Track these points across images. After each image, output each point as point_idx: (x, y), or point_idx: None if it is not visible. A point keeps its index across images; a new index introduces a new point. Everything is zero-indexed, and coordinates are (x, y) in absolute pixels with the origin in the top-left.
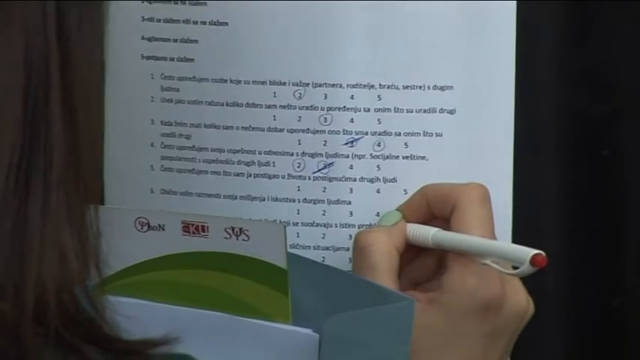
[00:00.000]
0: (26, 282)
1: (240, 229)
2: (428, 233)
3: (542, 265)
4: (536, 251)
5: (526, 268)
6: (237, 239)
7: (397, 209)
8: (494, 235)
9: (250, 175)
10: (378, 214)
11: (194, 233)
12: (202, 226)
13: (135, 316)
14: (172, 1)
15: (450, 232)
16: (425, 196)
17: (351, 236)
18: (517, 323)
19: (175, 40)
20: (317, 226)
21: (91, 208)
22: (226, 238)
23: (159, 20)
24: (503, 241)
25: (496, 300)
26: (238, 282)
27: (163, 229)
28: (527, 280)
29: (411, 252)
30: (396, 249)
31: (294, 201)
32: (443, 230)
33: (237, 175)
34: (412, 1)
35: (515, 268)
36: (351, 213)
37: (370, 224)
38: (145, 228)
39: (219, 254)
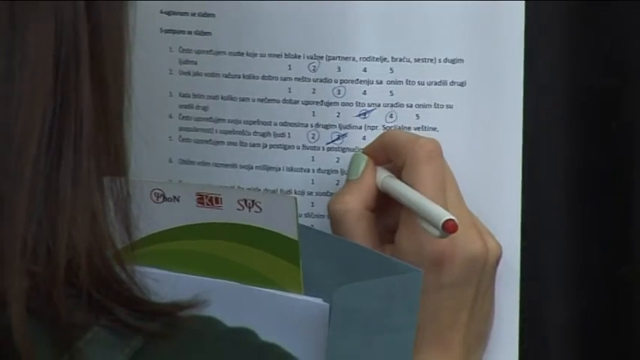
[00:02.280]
0: (58, 245)
1: (253, 201)
2: (370, 169)
3: (453, 231)
4: (448, 217)
5: (440, 233)
6: (249, 211)
7: (363, 151)
8: (440, 193)
9: (266, 146)
10: None
11: (208, 205)
12: (216, 197)
13: (160, 280)
14: None
15: (396, 182)
16: (383, 144)
17: None
18: (478, 270)
19: (193, 14)
20: (331, 195)
21: (121, 180)
22: (239, 209)
23: None
24: (512, 198)
25: (444, 253)
26: (251, 252)
27: (178, 201)
28: (537, 250)
29: (385, 198)
30: (367, 208)
31: (308, 171)
32: (392, 178)
33: (253, 145)
34: None
35: None
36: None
37: None
38: (161, 199)
39: (233, 225)
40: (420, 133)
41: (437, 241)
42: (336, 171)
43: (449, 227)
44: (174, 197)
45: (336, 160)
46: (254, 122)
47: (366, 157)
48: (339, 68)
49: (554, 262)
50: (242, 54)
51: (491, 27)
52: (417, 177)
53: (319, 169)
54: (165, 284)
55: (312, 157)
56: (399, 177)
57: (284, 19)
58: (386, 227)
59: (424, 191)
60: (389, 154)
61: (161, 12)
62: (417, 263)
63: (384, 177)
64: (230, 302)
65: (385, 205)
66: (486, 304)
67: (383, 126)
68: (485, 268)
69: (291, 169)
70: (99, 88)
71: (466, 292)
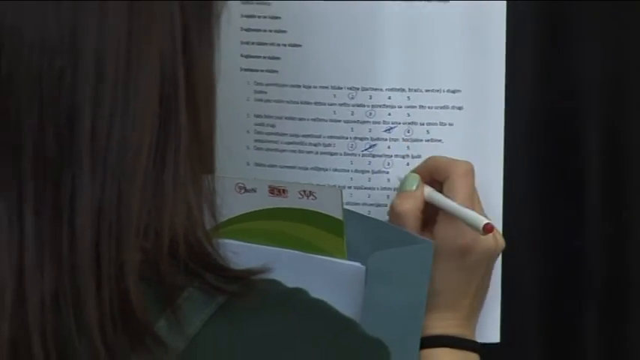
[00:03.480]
0: (163, 229)
1: (310, 191)
2: (421, 186)
3: (490, 232)
4: (486, 221)
5: (481, 232)
6: (307, 199)
7: (414, 171)
8: (472, 201)
9: (317, 153)
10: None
11: (277, 194)
12: (283, 189)
13: (238, 252)
14: (266, 31)
15: (438, 194)
16: (427, 166)
17: (388, 196)
18: (488, 260)
19: (264, 57)
20: (364, 189)
21: (208, 176)
22: (300, 198)
23: (252, 43)
24: (495, 188)
25: (469, 246)
26: (307, 229)
27: (255, 192)
28: (513, 232)
29: (428, 205)
30: (420, 210)
31: (348, 171)
32: (436, 192)
33: (308, 152)
34: (429, 28)
35: None
36: (388, 180)
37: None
38: (242, 191)
39: (295, 209)
40: (430, 143)
41: (465, 236)
42: (368, 171)
43: (488, 229)
44: (252, 189)
45: (368, 163)
46: (308, 136)
47: (418, 176)
48: (370, 97)
49: (525, 240)
50: (299, 86)
51: (482, 64)
52: (455, 188)
53: (356, 170)
54: (241, 255)
55: (351, 161)
56: (440, 190)
57: (330, 60)
58: (423, 223)
59: (460, 199)
60: (432, 173)
61: (241, 55)
62: (449, 250)
63: (429, 191)
64: (293, 266)
65: (425, 209)
66: (487, 280)
67: (402, 138)
68: (493, 256)
69: (335, 170)
70: (193, 111)
71: (478, 271)
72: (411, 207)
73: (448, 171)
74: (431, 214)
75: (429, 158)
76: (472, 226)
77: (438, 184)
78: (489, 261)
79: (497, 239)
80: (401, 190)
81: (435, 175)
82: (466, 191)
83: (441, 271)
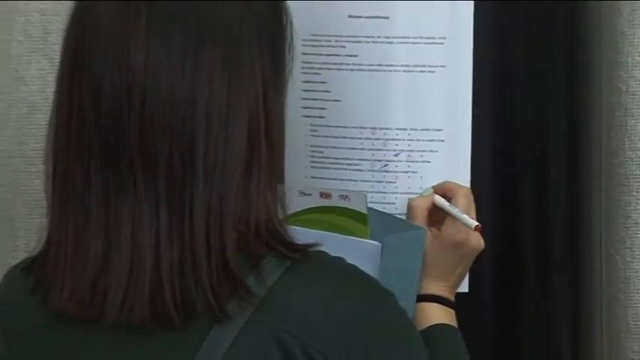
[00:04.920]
0: (250, 219)
1: (346, 195)
2: (432, 196)
3: (479, 231)
4: (477, 224)
5: (473, 230)
6: (344, 200)
7: (432, 187)
8: (469, 211)
9: (350, 170)
10: (408, 188)
11: (324, 197)
12: (328, 194)
13: (299, 234)
14: (317, 91)
15: (446, 202)
16: (443, 186)
17: (396, 198)
18: (472, 254)
19: (316, 108)
20: (380, 193)
21: (280, 185)
22: (339, 199)
23: (309, 99)
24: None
25: (463, 241)
26: (344, 220)
27: (310, 195)
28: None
29: (436, 209)
30: (427, 209)
31: (370, 182)
32: (444, 200)
33: (344, 170)
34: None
35: None
36: (396, 187)
37: (407, 193)
38: (302, 195)
39: (335, 207)
40: (423, 164)
41: (461, 234)
42: (383, 182)
43: (478, 229)
44: (309, 194)
45: (383, 176)
46: (344, 159)
47: (432, 189)
48: (385, 133)
49: (487, 224)
50: (338, 127)
51: (457, 112)
52: (458, 202)
53: (375, 181)
54: (300, 236)
55: (372, 175)
56: (449, 202)
57: (359, 110)
58: (434, 223)
59: (460, 208)
60: (445, 190)
61: (301, 107)
62: (449, 241)
63: (439, 198)
64: (332, 245)
65: (432, 212)
66: (467, 268)
67: (405, 160)
68: (476, 252)
69: (362, 181)
70: (269, 143)
71: (464, 260)
72: (420, 203)
73: (455, 191)
74: (440, 217)
75: (444, 182)
76: (467, 225)
77: (448, 199)
78: (472, 255)
79: (480, 241)
80: (420, 195)
81: (447, 192)
82: (465, 203)
83: (441, 254)
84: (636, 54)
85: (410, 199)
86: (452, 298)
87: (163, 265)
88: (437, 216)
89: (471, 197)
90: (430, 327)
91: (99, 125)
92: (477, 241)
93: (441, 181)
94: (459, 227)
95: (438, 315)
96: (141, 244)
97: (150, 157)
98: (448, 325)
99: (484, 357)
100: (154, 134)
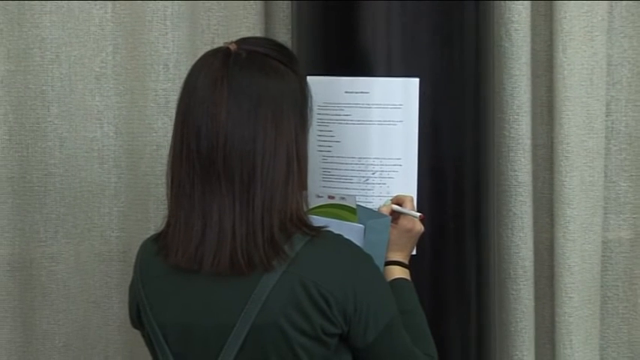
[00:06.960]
0: (287, 210)
1: (344, 197)
2: (391, 205)
3: (423, 219)
4: (420, 214)
5: (418, 218)
6: (343, 200)
7: (390, 199)
8: (412, 208)
9: (347, 183)
10: (380, 194)
11: (331, 199)
12: (333, 196)
13: (315, 220)
14: (326, 132)
15: (398, 207)
16: (395, 198)
17: (373, 200)
18: (417, 235)
19: (326, 147)
20: (364, 197)
21: (304, 191)
22: (340, 200)
23: (322, 138)
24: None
25: (412, 227)
26: (343, 212)
27: (322, 197)
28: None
29: (394, 212)
30: (389, 212)
31: (357, 190)
32: (397, 205)
33: (343, 183)
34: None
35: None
36: (373, 193)
37: (380, 196)
38: (317, 197)
39: (337, 204)
40: (388, 179)
41: (410, 223)
42: (365, 190)
43: (422, 218)
44: (322, 196)
45: (365, 187)
46: (344, 176)
47: (390, 200)
48: (367, 160)
49: (426, 213)
50: (340, 157)
51: (409, 145)
52: (407, 205)
53: (361, 189)
54: (316, 222)
55: (359, 185)
56: (401, 206)
57: (352, 147)
58: (394, 219)
59: (407, 208)
60: (398, 200)
61: (318, 147)
62: (403, 229)
63: (394, 206)
64: (335, 227)
65: (392, 214)
66: (416, 240)
67: (378, 177)
68: (419, 233)
69: (353, 189)
70: (299, 166)
71: (414, 238)
72: (384, 209)
73: (403, 199)
74: (397, 216)
75: (396, 195)
76: (414, 217)
77: (400, 205)
78: (417, 236)
79: (422, 227)
80: (384, 205)
81: (399, 201)
82: (410, 205)
83: (399, 237)
84: None
85: (379, 206)
86: (407, 262)
87: (237, 238)
88: (395, 215)
89: (414, 201)
90: (394, 279)
91: (199, 154)
92: (420, 227)
93: (400, 191)
94: (408, 220)
95: (399, 272)
96: (223, 225)
97: (229, 174)
98: (405, 278)
99: (424, 296)
100: (231, 160)
